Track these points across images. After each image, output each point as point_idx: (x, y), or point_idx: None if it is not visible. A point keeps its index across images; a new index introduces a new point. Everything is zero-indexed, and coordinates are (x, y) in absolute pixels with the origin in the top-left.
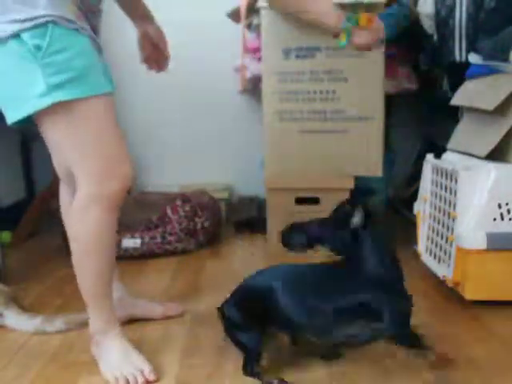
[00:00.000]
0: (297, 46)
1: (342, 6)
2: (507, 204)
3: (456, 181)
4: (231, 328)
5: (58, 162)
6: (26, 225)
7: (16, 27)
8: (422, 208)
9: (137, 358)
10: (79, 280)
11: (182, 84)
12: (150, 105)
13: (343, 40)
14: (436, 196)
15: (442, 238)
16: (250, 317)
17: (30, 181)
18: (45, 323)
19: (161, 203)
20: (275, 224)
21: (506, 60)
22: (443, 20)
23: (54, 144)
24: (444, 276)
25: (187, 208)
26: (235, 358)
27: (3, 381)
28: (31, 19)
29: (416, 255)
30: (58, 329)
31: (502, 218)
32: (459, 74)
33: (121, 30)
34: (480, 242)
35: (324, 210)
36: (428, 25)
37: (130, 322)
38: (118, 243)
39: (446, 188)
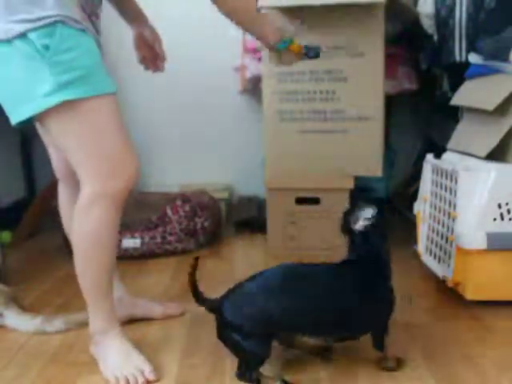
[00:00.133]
0: None
1: (282, 31)
2: (507, 204)
3: (456, 181)
4: (233, 333)
5: (58, 162)
6: (26, 225)
7: (24, 27)
8: (422, 208)
9: (137, 357)
10: (80, 278)
11: (182, 84)
12: (150, 105)
13: (274, 56)
14: (436, 196)
15: (442, 238)
16: (258, 322)
17: (30, 181)
18: (45, 323)
19: (161, 203)
20: (275, 224)
21: (506, 60)
22: (443, 20)
23: (58, 143)
24: (444, 276)
25: (187, 208)
26: (235, 357)
27: (3, 381)
28: (39, 19)
29: (416, 255)
30: (57, 329)
31: (502, 218)
32: (459, 73)
33: (121, 30)
34: (480, 242)
35: (324, 210)
36: (428, 25)
37: (130, 321)
38: (118, 243)
39: (446, 188)
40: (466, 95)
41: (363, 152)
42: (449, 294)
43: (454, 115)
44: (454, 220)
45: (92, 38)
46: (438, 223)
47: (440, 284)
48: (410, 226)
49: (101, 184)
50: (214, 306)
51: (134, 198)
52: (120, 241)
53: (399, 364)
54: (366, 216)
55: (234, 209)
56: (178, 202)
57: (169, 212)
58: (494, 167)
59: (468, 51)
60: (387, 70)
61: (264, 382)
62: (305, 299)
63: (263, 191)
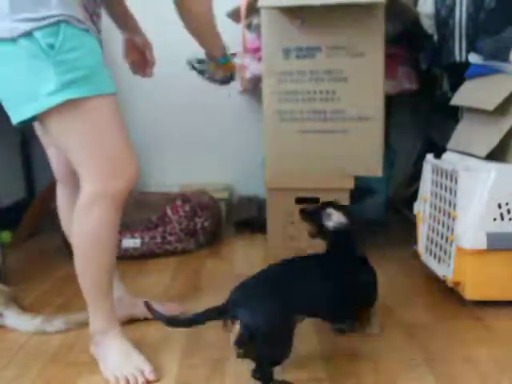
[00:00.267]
0: (297, 46)
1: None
2: (507, 204)
3: (456, 181)
4: (256, 338)
5: (57, 163)
6: (26, 225)
7: (28, 26)
8: (422, 208)
9: (137, 357)
10: (80, 278)
11: (182, 84)
12: (150, 105)
13: (211, 68)
14: (436, 196)
15: (441, 237)
16: (280, 319)
17: (30, 181)
18: (45, 323)
19: (161, 203)
20: (275, 224)
21: (506, 60)
22: (443, 20)
23: (60, 143)
24: (444, 276)
25: (187, 208)
26: (235, 357)
27: (3, 381)
28: (44, 18)
29: (416, 255)
30: (57, 329)
31: (502, 218)
32: (459, 73)
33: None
34: (480, 242)
35: None
36: (428, 25)
37: (130, 321)
38: (118, 243)
39: (446, 188)
40: (466, 95)
41: (363, 152)
42: (449, 294)
43: (454, 115)
44: (453, 220)
45: (95, 37)
46: (438, 223)
47: (440, 284)
48: (410, 225)
49: (101, 184)
50: (229, 316)
51: (134, 198)
52: (120, 241)
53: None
54: (339, 219)
55: (233, 209)
56: (178, 202)
57: (169, 212)
58: (494, 167)
59: (468, 51)
60: (387, 70)
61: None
62: (316, 288)
63: (263, 191)
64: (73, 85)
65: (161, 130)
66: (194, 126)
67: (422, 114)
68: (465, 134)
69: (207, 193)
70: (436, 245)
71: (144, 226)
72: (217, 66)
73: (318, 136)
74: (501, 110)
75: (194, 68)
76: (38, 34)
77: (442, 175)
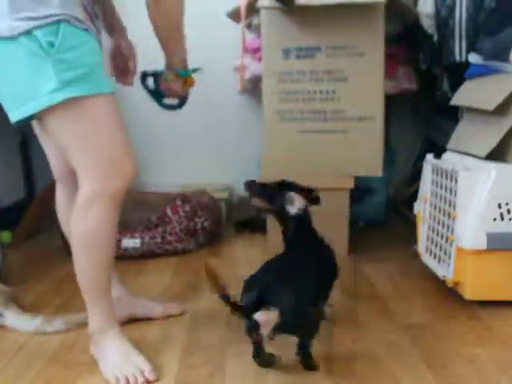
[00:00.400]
0: (297, 45)
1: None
2: (507, 204)
3: (456, 181)
4: (305, 321)
5: (56, 161)
6: (26, 225)
7: (29, 24)
8: (422, 208)
9: (137, 357)
10: (79, 277)
11: None
12: (149, 105)
13: (169, 78)
14: (436, 196)
15: (441, 238)
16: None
17: (29, 181)
18: (45, 323)
19: (161, 203)
20: (275, 224)
21: (506, 60)
22: (443, 20)
23: (59, 141)
24: (444, 276)
25: (187, 208)
26: (235, 357)
27: (3, 381)
28: (44, 17)
29: (416, 255)
30: (57, 329)
31: (502, 218)
32: (459, 73)
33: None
34: (480, 242)
35: (324, 211)
36: (428, 25)
37: (130, 321)
38: (118, 243)
39: (446, 188)
40: (466, 95)
41: (363, 152)
42: (449, 294)
43: (454, 115)
44: (454, 220)
45: (94, 37)
46: (438, 223)
47: (440, 284)
48: (410, 225)
49: (100, 183)
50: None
51: (134, 198)
52: (120, 241)
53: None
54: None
55: (233, 209)
56: (178, 202)
57: (169, 212)
58: (494, 167)
59: (468, 51)
60: (387, 69)
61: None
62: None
63: None
64: (73, 83)
65: (161, 130)
66: (194, 126)
67: (422, 114)
68: (465, 134)
69: (207, 193)
70: (436, 245)
71: (144, 226)
72: (175, 77)
73: (318, 136)
74: (501, 110)
75: (144, 81)
76: (38, 33)
77: (442, 175)
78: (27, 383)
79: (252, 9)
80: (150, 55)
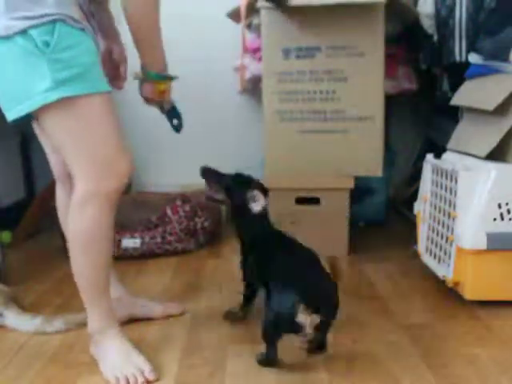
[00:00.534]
0: (297, 45)
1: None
2: (507, 204)
3: (456, 181)
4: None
5: (56, 161)
6: (26, 225)
7: (24, 24)
8: (422, 208)
9: (137, 357)
10: (76, 277)
11: (182, 84)
12: None
13: (140, 79)
14: (436, 196)
15: (441, 238)
16: None
17: (29, 181)
18: (44, 323)
19: (161, 203)
20: (275, 224)
21: (506, 60)
22: (443, 20)
23: (54, 141)
24: (444, 276)
25: (187, 208)
26: (235, 357)
27: (3, 381)
28: (40, 17)
29: (416, 255)
30: (57, 329)
31: (502, 218)
32: (459, 73)
33: (121, 30)
34: (480, 242)
35: (324, 210)
36: (428, 25)
37: (130, 321)
38: (118, 243)
39: (446, 188)
40: (466, 95)
41: (363, 152)
42: (449, 294)
43: (454, 115)
44: (453, 220)
45: (90, 37)
46: (438, 223)
47: (440, 284)
48: (410, 225)
49: (94, 183)
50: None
51: (134, 198)
52: (120, 241)
53: None
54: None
55: None
56: (178, 202)
57: (169, 212)
58: (494, 167)
59: (468, 51)
60: (387, 69)
61: None
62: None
63: None
64: (67, 83)
65: (161, 130)
66: (194, 126)
67: (422, 114)
68: (465, 134)
69: None
70: (436, 245)
71: (144, 226)
72: (145, 80)
73: (318, 136)
74: (501, 110)
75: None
76: (33, 32)
77: (442, 175)
78: (27, 383)
79: (252, 9)
80: None
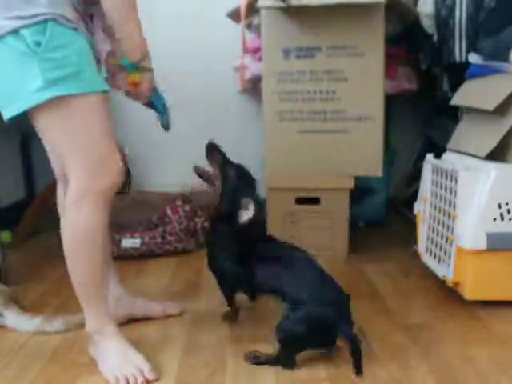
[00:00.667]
0: (297, 45)
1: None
2: (507, 204)
3: (456, 181)
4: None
5: (56, 160)
6: (26, 225)
7: (16, 23)
8: (422, 208)
9: (136, 356)
10: (72, 277)
11: (182, 84)
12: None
13: (112, 61)
14: (436, 196)
15: (441, 238)
16: None
17: (30, 181)
18: (44, 323)
19: (161, 203)
20: (275, 224)
21: (506, 60)
22: (443, 20)
23: (48, 139)
24: (444, 276)
25: (187, 208)
26: (235, 357)
27: (3, 381)
28: (32, 16)
29: (416, 255)
30: (57, 329)
31: (502, 218)
32: (459, 73)
33: None
34: (480, 242)
35: (324, 210)
36: (428, 25)
37: (130, 321)
38: (118, 243)
39: (446, 188)
40: (466, 95)
41: (363, 152)
42: (449, 294)
43: (454, 115)
44: (454, 220)
45: (84, 36)
46: (438, 223)
47: (440, 284)
48: (410, 225)
49: (87, 181)
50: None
51: (134, 198)
52: (120, 241)
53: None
54: (249, 213)
55: None
56: (178, 202)
57: (169, 212)
58: (494, 167)
59: (468, 51)
60: (387, 69)
61: None
62: None
63: (263, 191)
64: (59, 82)
65: (161, 130)
66: (194, 126)
67: (422, 114)
68: (465, 133)
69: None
70: (436, 245)
71: (144, 226)
72: (115, 65)
73: (318, 136)
74: (501, 110)
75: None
76: (25, 32)
77: (442, 175)
78: (27, 383)
79: (252, 9)
80: None
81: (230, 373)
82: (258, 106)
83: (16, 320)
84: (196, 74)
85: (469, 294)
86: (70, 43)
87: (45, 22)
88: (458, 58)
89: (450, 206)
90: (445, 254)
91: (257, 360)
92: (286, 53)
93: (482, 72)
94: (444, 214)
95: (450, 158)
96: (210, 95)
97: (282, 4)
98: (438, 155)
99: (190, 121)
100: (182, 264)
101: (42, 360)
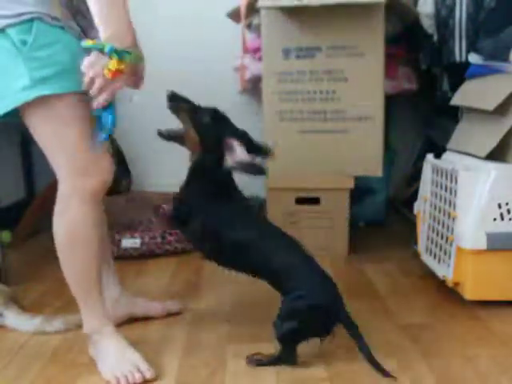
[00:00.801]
0: (297, 45)
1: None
2: (507, 204)
3: (456, 181)
4: None
5: None
6: (26, 225)
7: (2, 22)
8: (422, 208)
9: (133, 355)
10: (67, 278)
11: (182, 84)
12: (149, 104)
13: (87, 44)
14: (436, 196)
15: (441, 237)
16: None
17: (30, 181)
18: (44, 323)
19: (160, 203)
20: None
21: (506, 60)
22: (443, 20)
23: (37, 137)
24: (444, 276)
25: None
26: (235, 357)
27: (3, 381)
28: (18, 15)
29: (416, 255)
30: (57, 329)
31: (502, 218)
32: (459, 73)
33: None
34: (480, 242)
35: (324, 210)
36: (428, 25)
37: (130, 321)
38: (118, 243)
39: (446, 188)
40: (466, 95)
41: (363, 152)
42: (449, 294)
43: (454, 115)
44: (454, 220)
45: (72, 35)
46: (438, 223)
47: (440, 284)
48: (410, 225)
49: (77, 179)
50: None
51: (133, 198)
52: (120, 241)
53: None
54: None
55: None
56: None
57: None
58: (493, 167)
59: (468, 51)
60: (387, 70)
61: None
62: None
63: (263, 191)
64: (46, 81)
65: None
66: None
67: (422, 114)
68: (465, 133)
69: None
70: (436, 245)
71: (144, 226)
72: (90, 48)
73: (318, 136)
74: (501, 110)
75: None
76: (11, 31)
77: (442, 175)
78: (27, 383)
79: (252, 9)
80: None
81: (230, 372)
82: (258, 106)
83: (16, 320)
84: (196, 75)
85: (469, 294)
86: (55, 42)
87: (31, 20)
88: (458, 58)
89: (450, 205)
90: (445, 254)
91: (259, 362)
92: (286, 53)
93: (482, 72)
94: (444, 214)
95: (450, 158)
96: (210, 95)
97: (300, 4)
98: (438, 155)
99: None
100: (182, 264)
101: (42, 360)
